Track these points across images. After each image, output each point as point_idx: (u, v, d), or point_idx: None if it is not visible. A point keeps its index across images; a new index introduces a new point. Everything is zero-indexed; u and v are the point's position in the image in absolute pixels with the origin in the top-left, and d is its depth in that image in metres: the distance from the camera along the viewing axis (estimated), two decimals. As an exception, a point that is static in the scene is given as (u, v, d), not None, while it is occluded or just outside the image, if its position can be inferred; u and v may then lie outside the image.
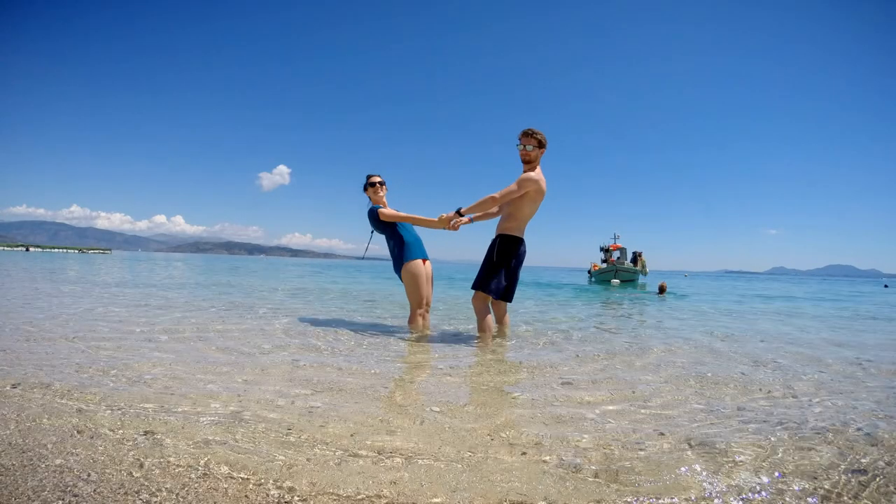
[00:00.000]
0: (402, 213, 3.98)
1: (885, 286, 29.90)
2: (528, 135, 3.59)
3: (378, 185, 4.16)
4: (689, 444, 1.54)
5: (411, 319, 4.06)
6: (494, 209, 3.83)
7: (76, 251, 62.74)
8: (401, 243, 3.97)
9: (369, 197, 4.18)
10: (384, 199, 4.18)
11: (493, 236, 3.75)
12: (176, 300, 5.85)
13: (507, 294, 3.74)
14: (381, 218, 3.99)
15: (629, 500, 1.18)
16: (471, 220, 3.92)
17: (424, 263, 4.01)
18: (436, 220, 3.81)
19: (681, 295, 11.76)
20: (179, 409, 1.76)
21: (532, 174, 3.55)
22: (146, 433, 1.52)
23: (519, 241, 3.67)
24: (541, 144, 3.61)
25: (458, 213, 3.71)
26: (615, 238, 29.54)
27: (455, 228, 3.86)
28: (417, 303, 4.02)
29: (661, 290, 11.69)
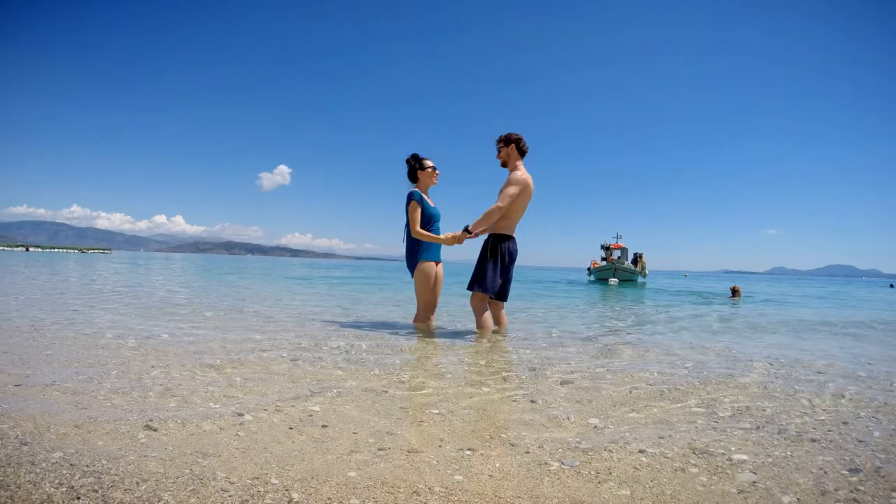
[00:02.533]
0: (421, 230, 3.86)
1: (891, 286, 30.30)
2: (496, 142, 3.72)
3: (432, 169, 3.93)
4: (689, 448, 1.54)
5: (416, 318, 4.08)
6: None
7: (76, 251, 62.79)
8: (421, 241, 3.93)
9: (416, 180, 3.93)
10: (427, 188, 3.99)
11: (486, 236, 3.78)
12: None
13: (502, 292, 3.75)
14: (412, 225, 3.85)
15: (629, 502, 1.18)
16: (476, 235, 3.96)
17: (437, 266, 4.00)
18: (442, 237, 3.80)
19: (762, 300, 10.69)
20: (179, 408, 1.76)
21: (518, 173, 3.60)
22: (146, 429, 1.52)
23: (510, 240, 3.70)
24: (507, 142, 3.68)
25: (467, 231, 3.66)
26: (618, 237, 29.37)
27: (460, 242, 3.94)
28: (425, 303, 4.03)
29: (735, 293, 10.61)
